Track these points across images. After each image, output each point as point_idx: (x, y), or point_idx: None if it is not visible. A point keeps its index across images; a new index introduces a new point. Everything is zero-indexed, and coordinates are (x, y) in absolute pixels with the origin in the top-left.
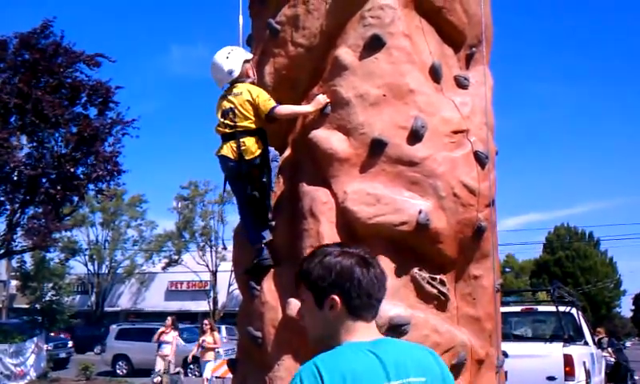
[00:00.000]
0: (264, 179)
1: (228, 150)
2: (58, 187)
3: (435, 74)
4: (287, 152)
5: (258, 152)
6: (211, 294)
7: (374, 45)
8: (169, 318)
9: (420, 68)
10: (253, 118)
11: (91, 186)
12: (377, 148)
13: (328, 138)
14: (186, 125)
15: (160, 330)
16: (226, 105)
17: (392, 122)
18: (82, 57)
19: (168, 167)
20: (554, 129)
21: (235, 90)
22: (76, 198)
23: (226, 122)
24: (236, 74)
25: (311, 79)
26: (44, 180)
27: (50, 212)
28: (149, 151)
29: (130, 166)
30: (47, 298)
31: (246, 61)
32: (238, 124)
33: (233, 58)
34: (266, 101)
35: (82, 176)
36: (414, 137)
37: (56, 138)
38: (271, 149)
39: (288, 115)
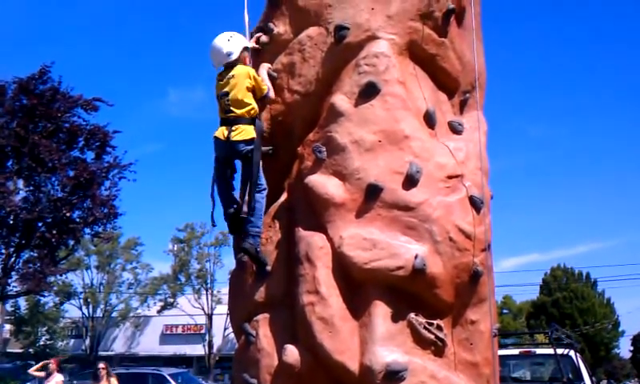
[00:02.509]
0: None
1: (220, 132)
2: (54, 231)
3: (430, 119)
4: (283, 197)
5: (248, 137)
6: (206, 337)
7: (369, 92)
8: (52, 360)
9: (415, 114)
10: (249, 103)
11: (87, 230)
12: (372, 193)
13: (324, 183)
14: (183, 167)
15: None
16: (221, 88)
17: (387, 167)
18: (79, 101)
19: (164, 209)
20: (550, 169)
21: (230, 74)
22: (72, 242)
23: (223, 106)
24: (234, 56)
25: (307, 125)
26: (40, 224)
27: (46, 256)
28: (145, 193)
29: (126, 208)
30: (41, 343)
31: (245, 48)
32: (232, 110)
33: (234, 41)
34: (261, 83)
35: (78, 220)
36: (410, 182)
37: (52, 182)
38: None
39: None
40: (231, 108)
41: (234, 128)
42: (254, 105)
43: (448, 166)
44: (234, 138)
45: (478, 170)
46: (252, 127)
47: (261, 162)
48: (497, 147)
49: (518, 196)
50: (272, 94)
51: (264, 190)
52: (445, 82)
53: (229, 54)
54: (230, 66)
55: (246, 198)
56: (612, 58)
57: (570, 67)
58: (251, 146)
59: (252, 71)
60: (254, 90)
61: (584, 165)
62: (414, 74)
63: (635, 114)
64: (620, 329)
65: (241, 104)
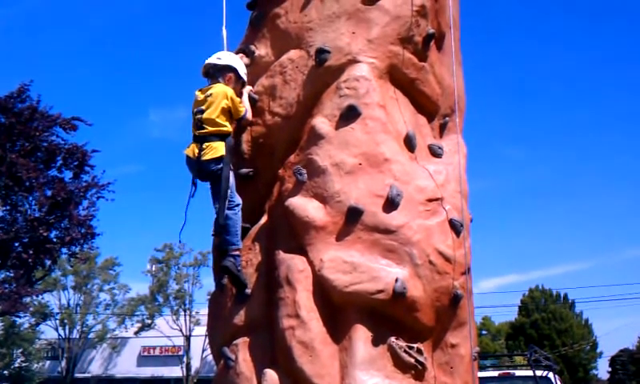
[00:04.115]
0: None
1: (190, 150)
2: (31, 251)
3: (410, 143)
4: (264, 219)
5: (217, 155)
6: (184, 359)
7: (349, 115)
8: None
9: (395, 137)
10: (222, 123)
11: (64, 250)
12: (353, 216)
13: (304, 205)
14: (162, 188)
15: None
16: (198, 105)
17: (368, 190)
18: (58, 120)
19: (143, 230)
20: (529, 192)
21: (208, 92)
22: (48, 262)
23: (196, 122)
24: (220, 62)
25: (288, 148)
26: (16, 244)
27: (22, 276)
28: (123, 213)
29: (104, 228)
30: (16, 365)
31: (235, 70)
32: (204, 127)
33: (230, 55)
34: (238, 104)
35: (55, 240)
36: (390, 205)
37: (30, 202)
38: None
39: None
40: (204, 125)
41: (204, 146)
42: (228, 126)
43: (428, 189)
44: (204, 159)
45: (457, 193)
46: (222, 144)
47: (232, 178)
48: (476, 170)
49: (496, 217)
50: (249, 116)
51: (236, 206)
52: (425, 106)
53: (218, 58)
54: (214, 78)
55: (215, 215)
56: (590, 82)
57: (549, 91)
58: (221, 165)
59: (230, 91)
60: (231, 111)
61: (562, 187)
62: (395, 97)
63: (613, 136)
64: (598, 350)
65: (214, 123)
